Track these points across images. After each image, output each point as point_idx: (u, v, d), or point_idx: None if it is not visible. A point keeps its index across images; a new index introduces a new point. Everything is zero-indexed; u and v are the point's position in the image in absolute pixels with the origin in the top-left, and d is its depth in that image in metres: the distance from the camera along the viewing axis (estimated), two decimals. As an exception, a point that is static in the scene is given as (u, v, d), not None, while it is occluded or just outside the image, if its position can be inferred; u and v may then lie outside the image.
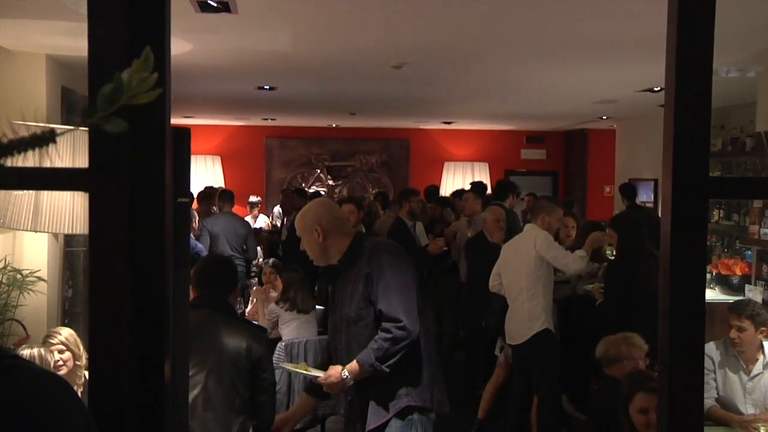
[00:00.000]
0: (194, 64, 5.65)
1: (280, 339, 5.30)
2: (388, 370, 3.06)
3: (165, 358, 1.12)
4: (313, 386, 3.46)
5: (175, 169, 1.20)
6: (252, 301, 6.67)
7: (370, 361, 3.05)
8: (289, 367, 3.97)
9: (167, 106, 1.13)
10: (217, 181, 12.50)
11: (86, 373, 3.49)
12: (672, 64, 1.09)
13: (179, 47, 4.86)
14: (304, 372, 3.50)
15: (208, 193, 9.34)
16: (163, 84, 1.11)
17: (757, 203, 5.00)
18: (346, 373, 3.11)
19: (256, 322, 6.22)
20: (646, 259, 4.99)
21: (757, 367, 3.97)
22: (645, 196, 10.04)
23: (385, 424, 3.11)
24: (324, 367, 3.33)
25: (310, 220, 3.26)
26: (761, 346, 3.98)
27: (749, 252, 5.82)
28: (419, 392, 3.14)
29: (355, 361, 3.10)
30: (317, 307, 5.52)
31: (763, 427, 3.58)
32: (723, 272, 6.16)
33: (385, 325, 3.06)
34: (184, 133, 1.44)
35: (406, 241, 6.78)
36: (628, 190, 9.12)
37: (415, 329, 3.07)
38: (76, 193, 3.26)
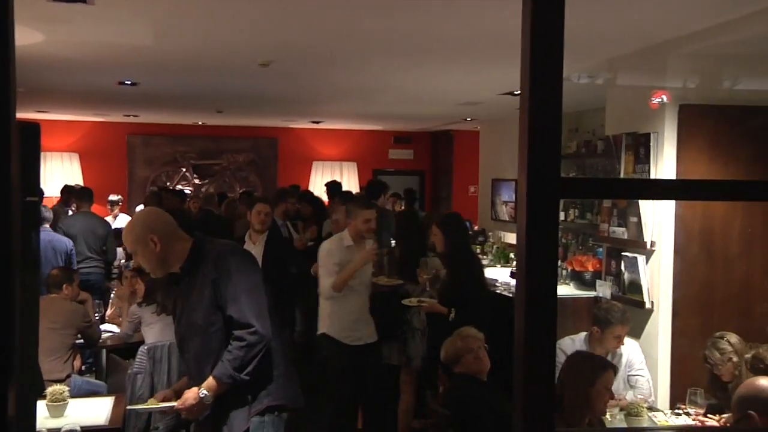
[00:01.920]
0: (47, 55, 5.34)
1: (142, 342, 5.11)
2: (248, 378, 2.98)
3: (9, 375, 1.05)
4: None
5: (23, 166, 1.13)
6: (112, 304, 6.41)
7: (228, 373, 2.95)
8: (137, 407, 3.62)
9: (12, 99, 1.06)
10: (75, 179, 11.89)
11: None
12: (525, 69, 1.13)
13: (28, 37, 4.57)
14: (154, 407, 3.21)
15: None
16: (7, 75, 1.04)
17: (607, 203, 5.25)
18: (204, 392, 2.98)
19: (116, 328, 5.98)
20: (474, 258, 5.28)
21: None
22: (507, 196, 10.45)
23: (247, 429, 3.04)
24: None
25: (142, 232, 3.05)
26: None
27: (600, 249, 6.13)
28: (277, 390, 3.10)
29: (211, 378, 2.98)
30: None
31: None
32: (577, 269, 6.47)
33: (237, 333, 2.97)
34: (33, 128, 1.36)
35: (277, 240, 6.72)
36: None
37: (267, 332, 3.00)
38: None
